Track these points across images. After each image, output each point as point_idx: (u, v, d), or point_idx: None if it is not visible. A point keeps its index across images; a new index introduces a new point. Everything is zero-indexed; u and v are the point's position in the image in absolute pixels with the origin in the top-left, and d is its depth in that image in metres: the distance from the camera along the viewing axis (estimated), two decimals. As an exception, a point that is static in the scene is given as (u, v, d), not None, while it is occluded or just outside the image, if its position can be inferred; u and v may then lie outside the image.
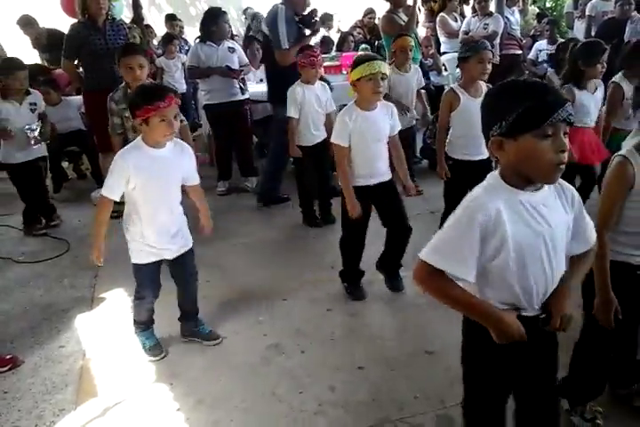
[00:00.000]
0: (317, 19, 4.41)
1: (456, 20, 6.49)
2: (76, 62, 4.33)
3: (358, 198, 2.74)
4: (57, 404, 2.26)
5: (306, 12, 4.26)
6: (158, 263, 2.46)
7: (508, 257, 1.28)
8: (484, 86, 3.07)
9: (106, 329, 2.79)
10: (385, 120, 2.77)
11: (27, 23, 5.92)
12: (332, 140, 2.77)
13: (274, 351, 2.53)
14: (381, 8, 5.78)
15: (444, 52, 6.42)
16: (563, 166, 1.25)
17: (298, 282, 3.13)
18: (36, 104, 3.95)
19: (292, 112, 3.71)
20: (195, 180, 2.49)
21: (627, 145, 1.75)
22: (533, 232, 1.29)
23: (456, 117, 3.09)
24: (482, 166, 2.96)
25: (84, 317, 2.90)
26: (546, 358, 1.47)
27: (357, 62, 2.68)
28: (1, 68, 3.80)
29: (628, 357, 2.00)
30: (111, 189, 2.28)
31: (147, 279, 2.47)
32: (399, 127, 2.86)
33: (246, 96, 4.69)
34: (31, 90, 3.97)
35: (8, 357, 2.50)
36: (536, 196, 1.30)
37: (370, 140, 2.73)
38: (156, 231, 2.36)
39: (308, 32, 4.22)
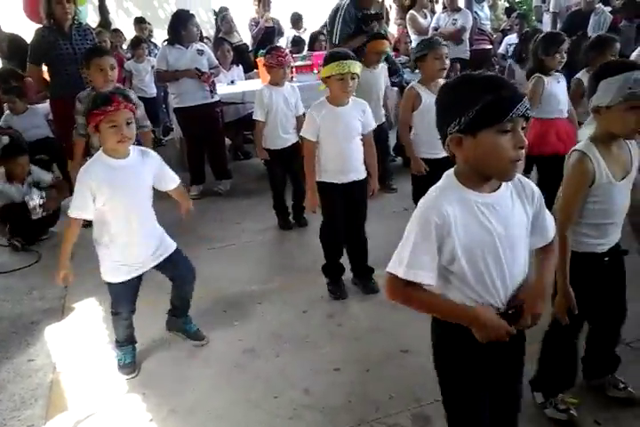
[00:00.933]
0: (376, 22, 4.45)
1: (426, 17, 6.49)
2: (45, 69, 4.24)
3: (328, 193, 2.77)
4: (26, 420, 2.20)
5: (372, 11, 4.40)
6: (138, 278, 2.37)
7: (464, 259, 1.27)
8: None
9: (77, 341, 2.72)
10: (355, 117, 2.75)
11: None
12: (301, 133, 2.80)
13: (249, 356, 2.50)
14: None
15: None
16: (520, 163, 1.24)
17: (272, 285, 3.10)
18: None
19: (258, 115, 3.67)
20: (173, 182, 2.41)
21: (582, 135, 1.76)
22: (487, 233, 1.27)
23: (418, 116, 3.06)
24: (448, 163, 2.97)
25: (54, 329, 2.84)
26: (515, 352, 1.47)
27: (329, 59, 2.69)
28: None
29: (601, 347, 2.01)
30: (79, 209, 2.20)
31: (123, 296, 2.39)
32: (373, 126, 2.85)
33: (217, 98, 4.64)
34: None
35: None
36: (492, 196, 1.28)
37: (339, 137, 2.72)
38: (134, 252, 2.28)
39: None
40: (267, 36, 6.88)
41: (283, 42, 7.32)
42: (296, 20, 7.92)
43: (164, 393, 2.29)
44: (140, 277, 2.38)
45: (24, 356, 2.61)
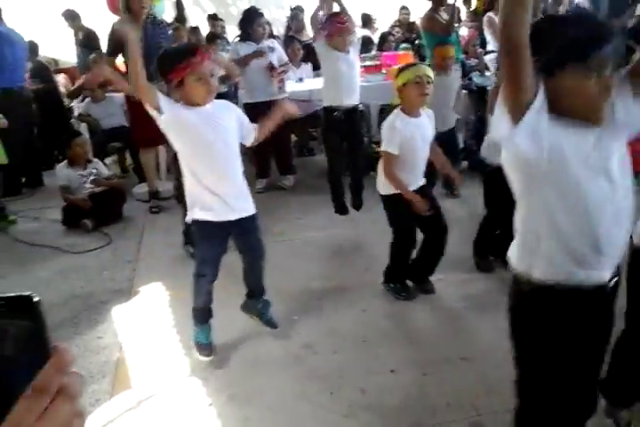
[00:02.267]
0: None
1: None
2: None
3: (402, 205, 2.72)
4: (93, 393, 2.31)
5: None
6: (224, 240, 2.36)
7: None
8: None
9: (142, 322, 2.84)
10: (430, 126, 2.76)
11: (70, 17, 6.08)
12: (383, 148, 2.73)
13: (306, 351, 2.53)
14: (419, 6, 5.74)
15: (490, 51, 6.31)
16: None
17: (332, 282, 3.12)
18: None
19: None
20: (253, 130, 2.37)
21: None
22: None
23: None
24: None
25: (121, 309, 2.96)
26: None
27: (402, 68, 2.71)
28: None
29: None
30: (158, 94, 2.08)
31: (209, 255, 2.36)
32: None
33: (285, 95, 4.70)
34: (92, 158, 4.35)
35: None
36: None
37: (418, 147, 2.71)
38: (222, 191, 2.23)
39: None
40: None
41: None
42: (366, 21, 7.92)
43: (225, 379, 2.36)
44: (226, 239, 2.38)
45: (93, 333, 2.75)
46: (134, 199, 4.53)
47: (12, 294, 0.45)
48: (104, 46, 4.54)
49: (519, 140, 1.21)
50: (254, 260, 2.52)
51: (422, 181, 2.81)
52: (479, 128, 4.70)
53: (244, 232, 2.41)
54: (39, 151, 5.48)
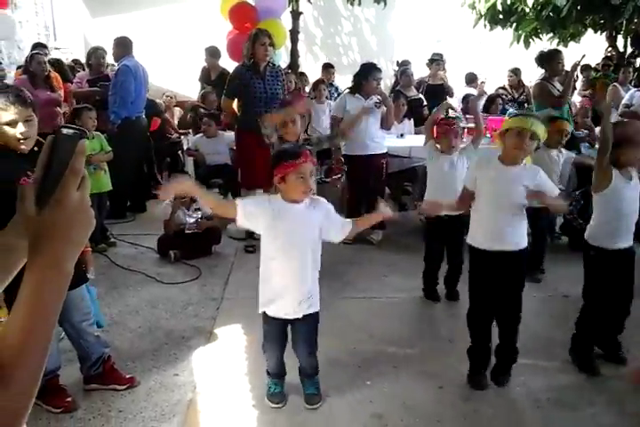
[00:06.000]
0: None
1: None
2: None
3: (478, 263, 2.63)
4: (162, 433, 2.34)
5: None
6: (284, 325, 2.45)
7: None
8: (633, 171, 2.76)
9: (219, 364, 2.87)
10: (520, 182, 2.54)
11: (213, 54, 6.49)
12: (463, 182, 2.78)
13: (377, 422, 2.44)
14: (529, 68, 5.68)
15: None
16: None
17: (412, 351, 3.02)
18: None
19: None
20: (341, 233, 2.40)
21: None
22: None
23: (603, 200, 2.77)
24: (627, 256, 2.73)
25: (200, 348, 3.01)
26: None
27: (513, 115, 2.66)
28: None
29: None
30: (243, 204, 2.27)
31: (269, 336, 2.49)
32: (555, 191, 2.64)
33: (384, 150, 4.75)
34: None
35: (128, 376, 2.65)
36: None
37: (497, 196, 2.56)
38: (285, 292, 2.34)
39: None
40: (433, 92, 6.96)
41: (454, 101, 7.34)
42: (471, 79, 7.94)
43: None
44: (285, 327, 2.45)
45: (171, 369, 2.80)
46: (227, 236, 4.69)
47: (78, 127, 0.74)
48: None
49: None
50: (302, 357, 2.54)
51: (510, 246, 2.58)
52: (583, 203, 4.49)
53: (297, 330, 2.46)
54: (147, 178, 5.85)
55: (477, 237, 2.65)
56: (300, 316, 2.38)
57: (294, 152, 2.28)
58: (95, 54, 5.63)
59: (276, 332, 2.47)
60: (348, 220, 2.45)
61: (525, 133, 2.49)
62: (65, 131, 0.72)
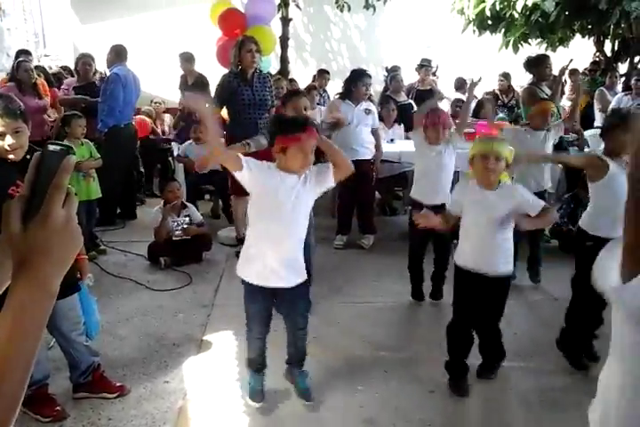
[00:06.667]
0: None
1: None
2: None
3: (463, 284, 2.63)
4: (153, 441, 2.33)
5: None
6: (269, 300, 2.43)
7: None
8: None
9: (209, 371, 2.85)
10: (500, 205, 2.54)
11: (187, 59, 6.41)
12: (448, 206, 2.77)
13: (367, 427, 2.44)
14: (518, 73, 5.74)
15: (596, 127, 6.21)
16: None
17: (402, 354, 3.02)
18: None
19: None
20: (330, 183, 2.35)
21: None
22: None
23: (601, 188, 2.81)
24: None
25: (191, 355, 3.00)
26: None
27: (476, 141, 2.68)
28: None
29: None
30: (247, 160, 2.22)
31: (254, 313, 2.46)
32: (538, 204, 2.58)
33: (373, 156, 4.77)
34: (187, 203, 4.60)
35: (118, 384, 2.63)
36: None
37: (480, 219, 2.57)
38: (268, 255, 2.31)
39: None
40: (422, 98, 6.99)
41: (444, 105, 7.38)
42: (460, 85, 7.98)
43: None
44: (269, 300, 2.43)
45: (161, 376, 2.79)
46: (218, 242, 4.68)
47: (64, 144, 0.75)
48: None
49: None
50: (294, 332, 2.54)
51: (496, 271, 2.58)
52: (573, 207, 4.53)
53: (285, 302, 2.44)
54: (137, 185, 5.83)
55: (464, 256, 2.65)
56: (284, 284, 2.35)
57: (300, 125, 2.23)
58: (82, 61, 5.57)
59: (259, 304, 2.42)
60: (328, 164, 2.33)
61: (489, 156, 2.51)
62: (52, 147, 0.72)
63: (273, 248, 2.32)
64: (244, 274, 2.42)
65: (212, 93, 4.59)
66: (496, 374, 2.79)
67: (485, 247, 2.58)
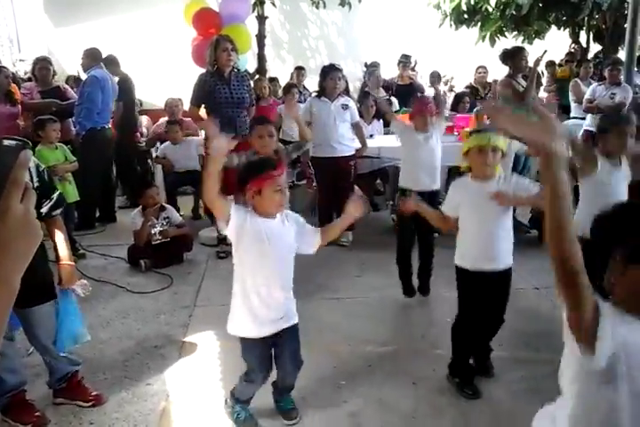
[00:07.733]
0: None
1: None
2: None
3: (469, 285, 2.61)
4: (135, 444, 2.30)
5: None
6: (269, 346, 2.29)
7: None
8: (624, 160, 2.94)
9: (191, 372, 2.83)
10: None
11: (110, 63, 5.88)
12: (442, 208, 2.70)
13: (351, 420, 2.43)
14: (495, 66, 5.77)
15: (573, 117, 6.32)
16: None
17: (386, 349, 3.02)
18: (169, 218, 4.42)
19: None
20: (311, 247, 2.29)
21: None
22: None
23: (591, 186, 2.87)
24: None
25: (173, 357, 2.97)
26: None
27: (470, 134, 2.67)
28: None
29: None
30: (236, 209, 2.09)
31: (256, 360, 2.30)
32: (533, 188, 2.52)
33: (353, 152, 4.76)
34: (166, 205, 4.55)
35: (94, 393, 2.56)
36: None
37: (482, 214, 2.55)
38: (268, 304, 2.20)
39: None
40: (403, 92, 7.01)
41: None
42: (434, 80, 7.99)
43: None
44: (270, 347, 2.31)
45: (143, 378, 2.76)
46: (199, 242, 4.65)
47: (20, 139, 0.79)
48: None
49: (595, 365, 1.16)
50: (285, 374, 2.38)
51: (500, 265, 2.59)
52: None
53: (279, 344, 2.31)
54: (115, 189, 5.77)
55: (467, 258, 2.61)
56: (281, 328, 2.25)
57: (271, 163, 2.17)
58: (38, 66, 5.33)
59: (264, 355, 2.29)
60: (319, 230, 2.32)
61: (486, 150, 2.51)
62: (7, 142, 0.73)
63: (277, 298, 2.21)
64: (241, 332, 2.26)
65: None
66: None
67: (490, 242, 2.56)
